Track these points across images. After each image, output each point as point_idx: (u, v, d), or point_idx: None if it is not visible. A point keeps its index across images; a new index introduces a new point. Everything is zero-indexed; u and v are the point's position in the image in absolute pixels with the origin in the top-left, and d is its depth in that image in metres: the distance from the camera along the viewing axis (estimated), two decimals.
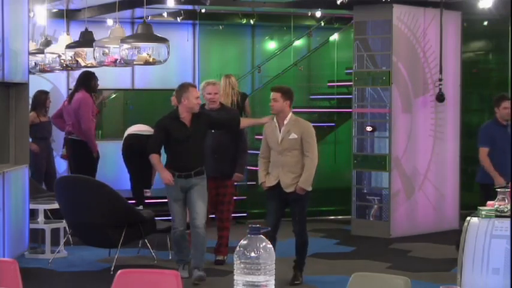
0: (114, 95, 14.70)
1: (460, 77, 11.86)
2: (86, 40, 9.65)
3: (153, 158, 7.95)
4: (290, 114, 7.98)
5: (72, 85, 11.73)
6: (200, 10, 13.25)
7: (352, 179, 11.45)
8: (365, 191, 11.33)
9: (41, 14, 11.12)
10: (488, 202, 5.54)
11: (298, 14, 13.75)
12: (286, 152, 7.84)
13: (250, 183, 12.38)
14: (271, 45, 15.15)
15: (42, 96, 11.61)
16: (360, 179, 11.39)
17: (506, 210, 5.35)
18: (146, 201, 10.66)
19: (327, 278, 8.55)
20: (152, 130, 8.80)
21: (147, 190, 10.47)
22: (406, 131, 11.19)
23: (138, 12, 12.63)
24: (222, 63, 14.45)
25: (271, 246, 2.77)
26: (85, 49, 9.76)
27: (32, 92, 10.93)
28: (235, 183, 9.51)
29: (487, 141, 8.85)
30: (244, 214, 12.03)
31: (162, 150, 8.17)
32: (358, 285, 3.88)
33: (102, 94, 13.52)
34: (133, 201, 10.21)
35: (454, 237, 9.32)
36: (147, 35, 8.44)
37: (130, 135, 10.72)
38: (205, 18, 13.77)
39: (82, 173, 9.31)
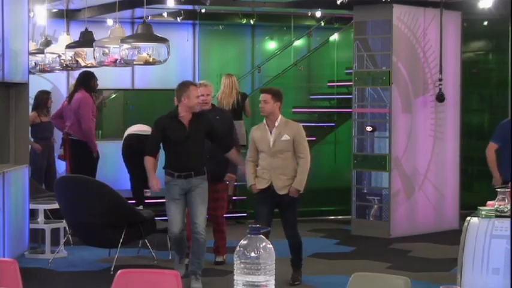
0: (114, 95, 14.70)
1: (460, 77, 11.86)
2: (86, 40, 9.65)
3: (147, 161, 7.77)
4: (280, 116, 7.81)
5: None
6: (200, 10, 13.25)
7: (352, 179, 11.45)
8: (365, 191, 11.33)
9: (41, 14, 11.13)
10: (488, 202, 5.54)
11: (298, 14, 13.75)
12: (278, 154, 7.72)
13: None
14: (271, 45, 15.16)
15: (43, 96, 11.62)
16: (360, 179, 11.39)
17: (506, 210, 5.35)
18: (146, 201, 10.67)
19: (327, 278, 8.55)
20: None
21: (147, 190, 10.45)
22: (406, 131, 11.19)
23: (138, 12, 12.64)
24: (222, 63, 14.45)
25: (271, 246, 2.77)
26: (85, 49, 9.77)
27: (33, 92, 10.95)
28: (235, 184, 9.49)
29: (499, 138, 8.75)
30: (244, 214, 12.02)
31: (162, 151, 8.11)
32: (358, 285, 3.88)
33: (102, 94, 13.53)
34: (133, 201, 10.21)
35: (454, 237, 9.32)
36: (147, 35, 8.44)
37: (130, 135, 10.72)
38: (205, 18, 13.78)
39: (82, 173, 9.31)
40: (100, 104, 12.81)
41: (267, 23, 14.57)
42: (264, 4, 12.49)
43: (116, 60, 8.94)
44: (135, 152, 9.82)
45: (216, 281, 8.24)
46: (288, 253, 9.76)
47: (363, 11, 11.25)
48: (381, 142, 11.20)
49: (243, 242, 2.76)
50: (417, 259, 9.60)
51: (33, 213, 9.47)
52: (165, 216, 7.98)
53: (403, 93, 11.13)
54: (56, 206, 9.23)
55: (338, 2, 10.86)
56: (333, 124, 13.32)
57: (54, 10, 12.16)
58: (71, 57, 9.96)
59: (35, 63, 10.92)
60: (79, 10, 12.55)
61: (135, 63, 8.64)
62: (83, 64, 10.01)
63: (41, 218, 9.40)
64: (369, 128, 11.21)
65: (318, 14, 13.10)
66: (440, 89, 11.20)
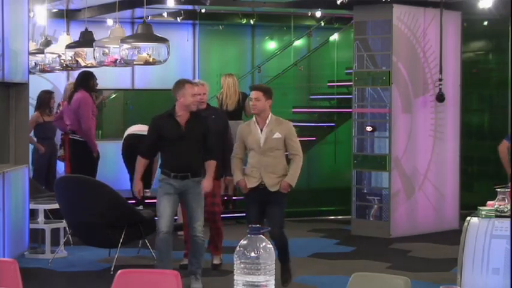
0: (114, 95, 14.71)
1: (460, 77, 11.86)
2: (86, 40, 9.66)
3: (139, 162, 7.66)
4: (270, 113, 7.66)
5: None
6: (200, 10, 13.26)
7: (352, 179, 11.45)
8: (365, 191, 11.33)
9: (41, 14, 11.13)
10: (488, 202, 5.55)
11: (298, 14, 13.75)
12: (269, 152, 7.58)
13: None
14: (271, 45, 15.16)
15: (46, 96, 11.64)
16: (360, 179, 11.39)
17: (506, 210, 5.35)
18: (146, 201, 10.67)
19: (327, 278, 8.55)
20: None
21: (147, 190, 10.44)
22: (406, 131, 11.19)
23: (138, 12, 12.64)
24: (222, 63, 14.46)
25: (271, 246, 2.77)
26: (85, 49, 9.78)
27: (33, 92, 10.95)
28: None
29: None
30: (244, 214, 12.00)
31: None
32: (358, 285, 3.88)
33: (102, 94, 13.53)
34: (133, 201, 10.20)
35: (454, 237, 9.32)
36: (147, 35, 8.44)
37: (130, 135, 10.72)
38: (205, 18, 13.79)
39: (82, 173, 9.30)
40: (100, 104, 12.81)
41: (267, 23, 14.58)
42: (264, 4, 12.49)
43: (116, 60, 8.95)
44: (135, 152, 9.77)
45: (216, 281, 8.24)
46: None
47: (363, 11, 11.25)
48: (381, 142, 11.20)
49: (243, 242, 2.76)
50: (417, 259, 9.60)
51: (33, 213, 9.46)
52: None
53: (403, 93, 11.13)
54: (56, 206, 9.23)
55: (338, 2, 10.86)
56: (333, 124, 13.32)
57: (54, 10, 12.17)
58: (71, 57, 9.97)
59: (35, 63, 10.93)
60: (79, 10, 12.56)
61: (135, 63, 8.65)
62: (83, 64, 10.01)
63: (41, 218, 9.40)
64: (369, 128, 11.21)
65: (318, 14, 13.10)
66: (440, 89, 11.20)
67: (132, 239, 8.84)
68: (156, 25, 9.07)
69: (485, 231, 5.30)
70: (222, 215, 9.68)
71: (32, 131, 11.50)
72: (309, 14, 13.51)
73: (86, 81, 10.47)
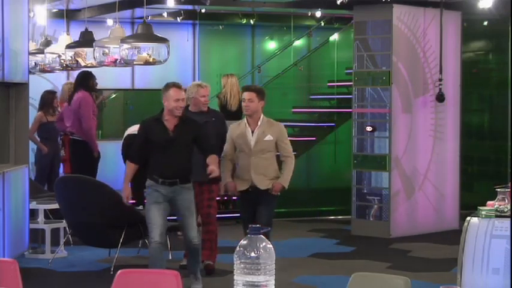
0: (114, 95, 14.71)
1: (460, 77, 11.86)
2: (86, 40, 9.66)
3: (127, 166, 7.46)
4: (262, 115, 7.51)
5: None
6: (200, 10, 13.26)
7: (352, 179, 11.45)
8: (365, 191, 11.33)
9: (41, 14, 11.14)
10: (488, 202, 5.54)
11: (298, 14, 13.76)
12: (260, 154, 7.46)
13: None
14: (271, 45, 15.17)
15: (49, 96, 11.64)
16: (360, 179, 11.39)
17: (506, 210, 5.35)
18: (146, 201, 10.65)
19: (327, 278, 8.55)
20: None
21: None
22: (406, 131, 11.19)
23: (138, 12, 12.65)
24: (222, 63, 14.46)
25: (271, 246, 2.77)
26: (85, 49, 9.78)
27: (34, 92, 10.96)
28: None
29: None
30: None
31: None
32: (358, 285, 3.88)
33: (102, 94, 13.53)
34: (133, 201, 10.20)
35: (454, 237, 9.32)
36: (147, 35, 8.44)
37: (130, 135, 10.68)
38: (205, 18, 13.79)
39: (83, 173, 9.31)
40: (100, 104, 12.82)
41: (267, 23, 14.58)
42: (264, 4, 12.49)
43: (116, 60, 8.95)
44: None
45: (216, 281, 8.24)
46: (288, 253, 9.78)
47: (363, 11, 11.25)
48: (381, 142, 11.20)
49: (243, 242, 2.76)
50: (417, 259, 9.60)
51: (33, 213, 9.46)
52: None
53: (403, 93, 11.13)
54: (56, 206, 9.23)
55: (338, 2, 10.86)
56: (333, 124, 13.32)
57: (54, 10, 12.17)
58: (71, 57, 9.98)
59: (35, 63, 10.93)
60: (79, 10, 12.56)
61: (135, 63, 8.65)
62: (83, 64, 10.02)
63: (41, 218, 9.40)
64: (369, 128, 11.21)
65: (318, 14, 13.11)
66: (440, 89, 11.20)
67: (132, 239, 8.84)
68: (156, 25, 9.07)
69: (485, 231, 5.30)
70: (222, 215, 9.68)
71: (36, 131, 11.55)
72: (309, 14, 13.52)
73: (85, 81, 10.47)
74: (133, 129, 10.79)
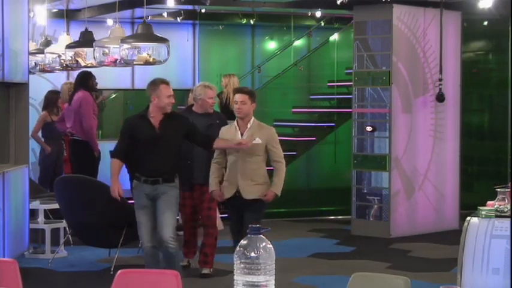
0: (114, 95, 14.71)
1: (460, 77, 11.86)
2: (86, 40, 9.66)
3: (112, 163, 7.20)
4: (253, 118, 7.35)
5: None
6: (200, 10, 13.26)
7: (352, 179, 11.45)
8: (365, 191, 11.33)
9: (41, 14, 11.14)
10: (488, 202, 5.54)
11: (298, 14, 13.76)
12: (247, 157, 7.25)
13: None
14: (271, 45, 15.17)
15: (53, 96, 11.66)
16: (360, 179, 11.39)
17: (506, 210, 5.35)
18: None
19: (327, 278, 8.55)
20: None
21: None
22: (406, 131, 11.19)
23: (138, 12, 12.64)
24: (222, 63, 14.46)
25: (271, 246, 2.77)
26: (85, 49, 9.78)
27: (34, 92, 10.97)
28: None
29: None
30: None
31: None
32: (358, 285, 3.88)
33: (102, 94, 13.54)
34: (133, 201, 10.19)
35: (454, 237, 9.33)
36: (147, 35, 8.44)
37: None
38: (205, 18, 13.79)
39: (83, 173, 9.30)
40: (100, 104, 12.82)
41: (267, 23, 14.58)
42: (264, 4, 12.49)
43: (116, 60, 8.95)
44: None
45: (216, 281, 8.24)
46: (288, 253, 9.78)
47: (363, 11, 11.26)
48: (381, 142, 11.20)
49: (243, 242, 2.76)
50: (417, 259, 9.61)
51: (33, 213, 9.47)
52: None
53: (403, 93, 11.14)
54: (56, 206, 9.23)
55: (338, 2, 10.86)
56: (333, 124, 13.32)
57: (54, 10, 12.17)
58: (71, 57, 9.97)
59: (35, 63, 10.93)
60: (79, 10, 12.56)
61: (135, 63, 8.65)
62: (83, 64, 10.02)
63: (41, 218, 9.40)
64: (369, 128, 11.21)
65: (318, 14, 13.11)
66: (440, 89, 11.20)
67: (132, 239, 8.83)
68: (156, 25, 9.07)
69: (485, 231, 5.30)
70: (222, 215, 9.64)
71: (40, 131, 11.56)
72: (309, 14, 13.52)
73: (85, 81, 10.47)
74: None
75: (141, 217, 7.14)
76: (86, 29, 9.79)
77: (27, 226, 9.24)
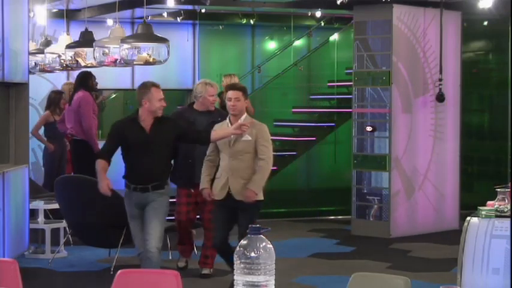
0: (114, 95, 14.71)
1: (460, 77, 11.86)
2: (86, 40, 9.66)
3: (98, 163, 7.02)
4: (245, 114, 7.20)
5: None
6: (200, 10, 13.26)
7: (352, 179, 11.45)
8: (365, 191, 11.33)
9: (41, 14, 11.14)
10: (488, 202, 5.54)
11: (298, 14, 13.75)
12: (238, 155, 7.10)
13: None
14: (271, 45, 15.17)
15: (56, 96, 11.66)
16: (360, 179, 11.39)
17: (506, 210, 5.35)
18: None
19: (327, 278, 8.55)
20: None
21: None
22: (406, 131, 11.19)
23: (138, 12, 12.64)
24: (222, 63, 14.46)
25: (271, 246, 2.77)
26: (85, 49, 9.78)
27: (34, 92, 10.97)
28: None
29: None
30: None
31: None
32: (358, 285, 3.88)
33: (102, 94, 13.53)
34: None
35: (454, 237, 9.33)
36: (147, 35, 8.44)
37: None
38: (205, 18, 13.79)
39: (84, 173, 9.30)
40: (100, 104, 12.82)
41: (267, 23, 14.58)
42: (264, 4, 12.49)
43: (116, 60, 8.94)
44: None
45: (216, 281, 8.24)
46: (288, 253, 9.77)
47: (363, 11, 11.25)
48: (381, 142, 11.20)
49: (243, 242, 2.76)
50: (417, 259, 9.61)
51: (33, 213, 9.47)
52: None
53: (403, 93, 11.14)
54: (56, 206, 9.23)
55: (338, 2, 10.86)
56: (333, 124, 13.32)
57: (54, 10, 12.17)
58: (71, 57, 9.97)
59: (35, 63, 10.93)
60: (79, 10, 12.56)
61: (135, 63, 8.64)
62: (83, 64, 10.01)
63: (41, 218, 9.40)
64: (369, 128, 11.21)
65: (318, 14, 13.11)
66: (440, 89, 11.20)
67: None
68: (156, 25, 9.06)
69: (485, 231, 5.30)
70: None
71: (43, 130, 11.56)
72: (309, 14, 13.51)
73: (85, 81, 10.47)
74: None
75: (132, 227, 7.06)
76: (86, 29, 9.79)
77: (27, 226, 9.24)
